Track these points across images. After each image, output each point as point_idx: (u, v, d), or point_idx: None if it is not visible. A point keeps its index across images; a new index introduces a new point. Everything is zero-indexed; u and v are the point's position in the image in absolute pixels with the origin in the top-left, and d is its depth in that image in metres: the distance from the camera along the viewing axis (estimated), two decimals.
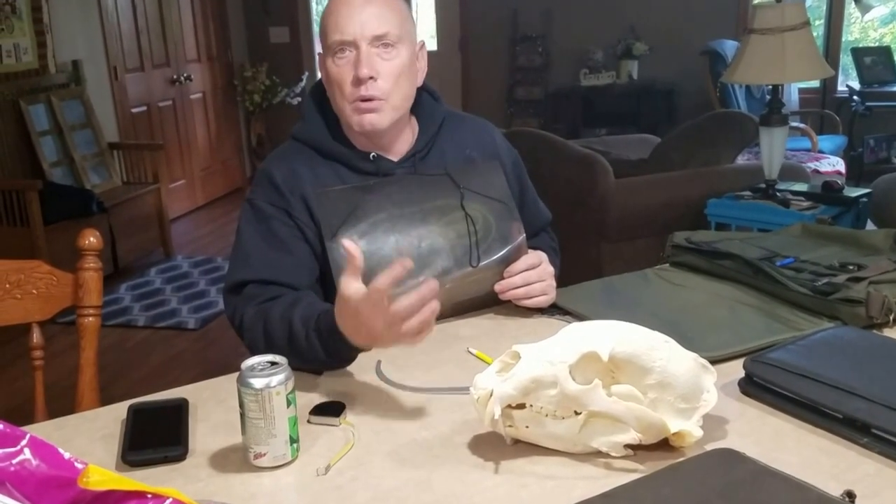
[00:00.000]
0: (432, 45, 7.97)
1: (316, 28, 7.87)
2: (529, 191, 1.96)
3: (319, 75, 1.75)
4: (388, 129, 1.69)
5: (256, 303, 1.58)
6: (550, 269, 1.75)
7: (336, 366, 1.50)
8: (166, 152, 6.52)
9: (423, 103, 1.81)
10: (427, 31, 8.05)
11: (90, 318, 1.75)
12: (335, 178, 1.70)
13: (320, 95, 1.77)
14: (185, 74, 7.16)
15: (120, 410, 1.38)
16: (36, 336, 1.75)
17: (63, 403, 1.70)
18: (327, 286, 1.66)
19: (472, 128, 1.88)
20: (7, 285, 1.71)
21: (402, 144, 1.76)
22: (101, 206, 5.21)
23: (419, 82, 1.75)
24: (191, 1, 7.30)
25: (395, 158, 1.75)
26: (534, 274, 1.72)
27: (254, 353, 1.41)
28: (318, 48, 1.76)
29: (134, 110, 6.54)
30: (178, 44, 7.11)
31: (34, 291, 1.73)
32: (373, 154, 1.72)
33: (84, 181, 5.52)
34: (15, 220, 4.77)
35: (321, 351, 1.44)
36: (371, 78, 1.62)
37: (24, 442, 0.89)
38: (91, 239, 1.74)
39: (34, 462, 0.88)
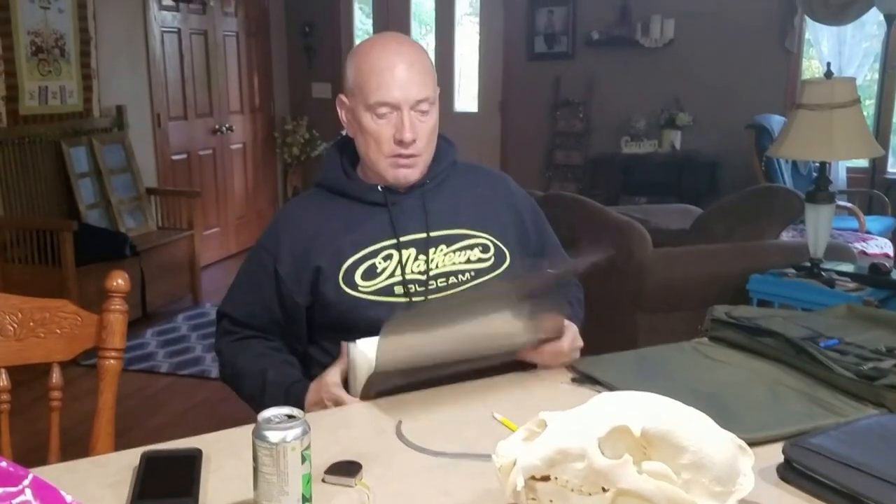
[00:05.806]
0: (473, 106, 8.02)
1: None
2: (550, 239, 2.04)
3: (343, 120, 1.89)
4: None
5: (230, 340, 1.89)
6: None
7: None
8: (203, 199, 6.58)
9: (438, 146, 1.92)
10: (469, 93, 8.10)
11: (111, 361, 1.72)
12: (346, 212, 1.85)
13: (342, 146, 1.93)
14: (227, 125, 7.26)
15: (133, 457, 1.35)
16: (55, 376, 1.72)
17: (80, 447, 1.67)
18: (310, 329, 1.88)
19: (485, 174, 2.03)
20: (31, 324, 1.69)
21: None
22: (133, 249, 5.23)
23: None
24: (237, 53, 7.43)
25: (401, 190, 1.87)
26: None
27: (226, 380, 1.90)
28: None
29: (174, 157, 6.63)
30: (222, 95, 7.21)
31: (58, 331, 1.71)
32: (380, 186, 1.86)
33: (119, 224, 5.57)
34: (47, 260, 4.78)
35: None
36: (412, 140, 1.78)
37: (26, 482, 0.89)
38: (119, 281, 1.72)
39: (35, 503, 0.87)
